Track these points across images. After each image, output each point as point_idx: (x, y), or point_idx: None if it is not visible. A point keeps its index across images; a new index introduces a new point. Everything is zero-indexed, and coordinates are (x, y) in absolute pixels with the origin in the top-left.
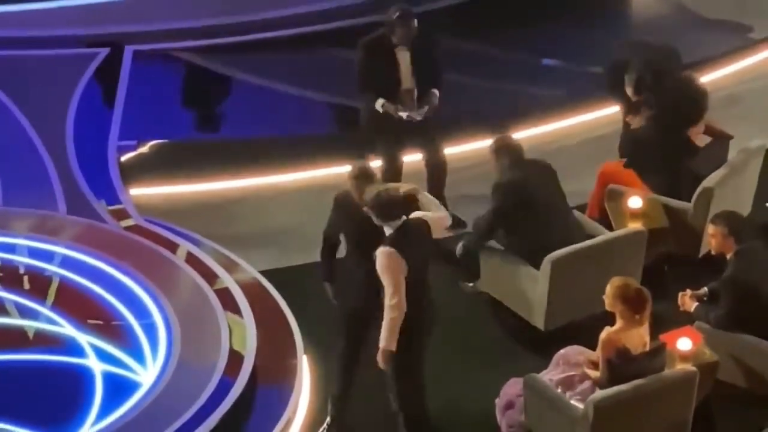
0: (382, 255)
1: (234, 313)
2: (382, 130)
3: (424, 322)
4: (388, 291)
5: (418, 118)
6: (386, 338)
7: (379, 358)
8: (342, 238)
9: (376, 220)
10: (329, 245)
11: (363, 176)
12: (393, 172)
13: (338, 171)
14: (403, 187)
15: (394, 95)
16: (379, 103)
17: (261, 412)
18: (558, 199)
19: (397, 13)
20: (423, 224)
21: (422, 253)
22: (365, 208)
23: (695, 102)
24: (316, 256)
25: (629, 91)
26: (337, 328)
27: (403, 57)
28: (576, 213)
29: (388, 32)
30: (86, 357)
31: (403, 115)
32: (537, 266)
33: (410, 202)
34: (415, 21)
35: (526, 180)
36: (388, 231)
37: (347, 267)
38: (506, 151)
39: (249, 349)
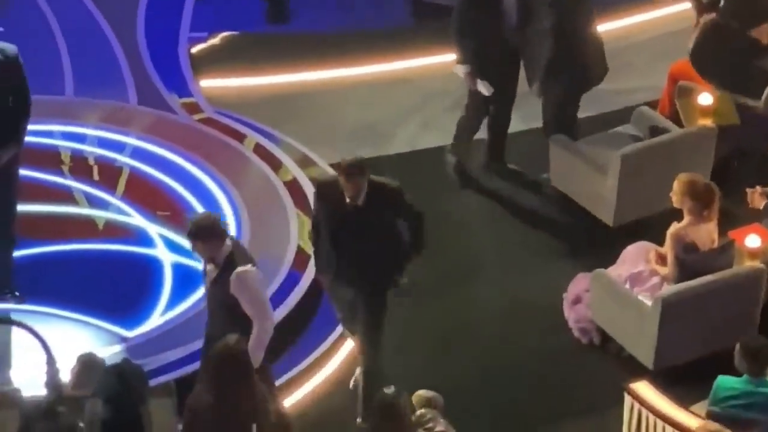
0: (254, 274)
1: (303, 211)
2: (486, 70)
3: None
4: (262, 312)
5: None
6: (260, 357)
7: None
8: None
9: (219, 247)
10: (319, 233)
11: (358, 173)
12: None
13: (408, 65)
14: None
15: (499, 39)
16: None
17: (328, 307)
18: None
19: None
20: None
21: None
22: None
23: (759, 1)
24: (386, 150)
25: None
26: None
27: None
28: (646, 109)
29: None
30: (156, 247)
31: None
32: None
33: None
34: None
35: None
36: (226, 250)
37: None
38: None
39: None
